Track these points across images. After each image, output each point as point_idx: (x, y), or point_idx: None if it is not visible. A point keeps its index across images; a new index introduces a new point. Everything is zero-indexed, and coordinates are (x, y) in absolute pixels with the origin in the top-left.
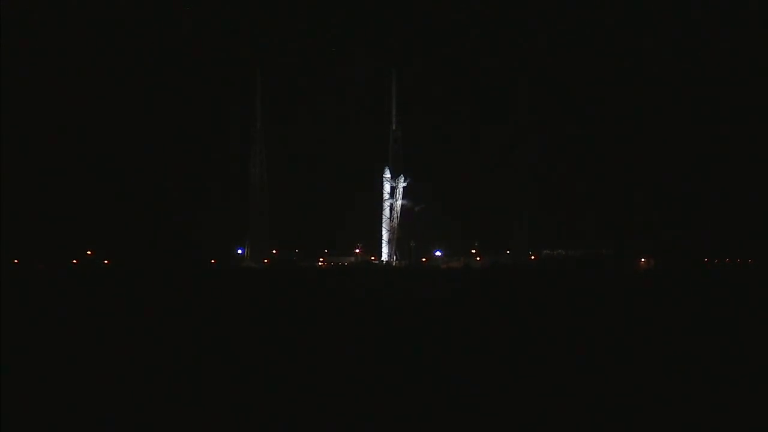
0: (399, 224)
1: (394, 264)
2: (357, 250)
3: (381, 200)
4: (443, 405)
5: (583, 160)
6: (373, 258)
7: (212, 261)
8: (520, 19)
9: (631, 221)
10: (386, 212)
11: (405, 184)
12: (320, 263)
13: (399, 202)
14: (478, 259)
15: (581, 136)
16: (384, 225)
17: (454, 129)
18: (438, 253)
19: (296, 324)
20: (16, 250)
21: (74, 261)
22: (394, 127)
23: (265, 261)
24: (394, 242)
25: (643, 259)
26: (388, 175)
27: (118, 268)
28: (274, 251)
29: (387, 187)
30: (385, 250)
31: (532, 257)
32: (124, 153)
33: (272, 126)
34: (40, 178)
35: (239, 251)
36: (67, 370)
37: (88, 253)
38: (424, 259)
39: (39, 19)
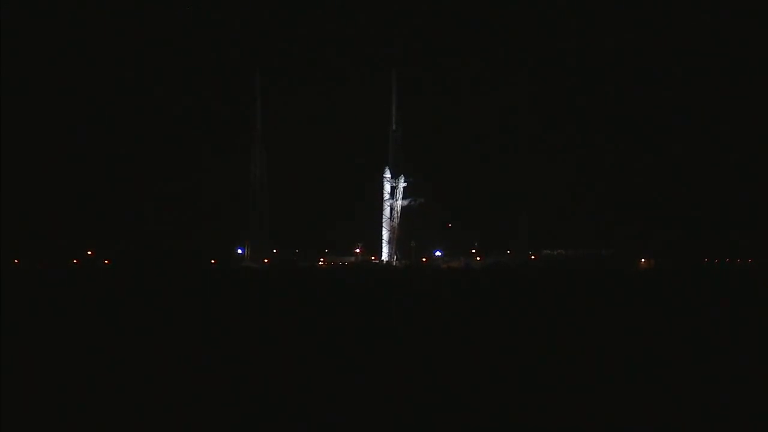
0: (399, 224)
1: (394, 264)
2: (357, 250)
3: (381, 200)
4: (443, 405)
5: (584, 160)
6: (373, 258)
7: (212, 261)
8: (520, 19)
9: (631, 221)
10: (386, 212)
11: (405, 184)
12: (320, 263)
13: (399, 202)
14: (478, 259)
15: (582, 137)
16: (384, 225)
17: (454, 129)
18: (438, 253)
19: (296, 324)
20: (16, 250)
21: (74, 261)
22: (394, 127)
23: (266, 261)
24: (395, 242)
25: (643, 259)
26: (388, 175)
27: (118, 268)
28: (274, 251)
29: (387, 187)
30: (385, 250)
31: (533, 257)
32: (124, 153)
33: (272, 126)
34: (40, 178)
35: (239, 251)
36: (67, 370)
37: (89, 253)
38: (424, 259)
39: (39, 21)
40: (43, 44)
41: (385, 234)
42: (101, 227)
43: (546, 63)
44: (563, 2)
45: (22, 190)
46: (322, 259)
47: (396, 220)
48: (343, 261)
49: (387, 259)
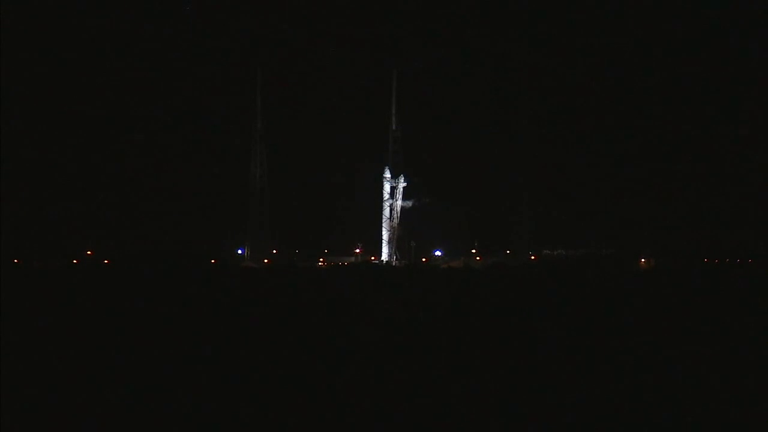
0: (399, 224)
1: (394, 264)
2: (357, 250)
3: (381, 200)
4: (443, 405)
5: (584, 160)
6: (373, 258)
7: (212, 261)
8: (520, 19)
9: (631, 221)
10: (386, 212)
11: (405, 184)
12: (320, 263)
13: (399, 202)
14: (478, 259)
15: (582, 136)
16: (384, 225)
17: (454, 129)
18: (438, 253)
19: (297, 324)
20: (16, 250)
21: (74, 261)
22: (394, 127)
23: (266, 261)
24: (395, 242)
25: (643, 259)
26: (388, 175)
27: (118, 268)
28: (274, 251)
29: (387, 187)
30: (385, 250)
31: (533, 257)
32: (124, 153)
33: (272, 126)
34: (40, 178)
35: (239, 251)
36: (67, 370)
37: (89, 253)
38: (424, 259)
39: (40, 20)
40: (43, 43)
41: (385, 234)
42: (101, 227)
43: (546, 63)
44: (564, 1)
45: (22, 190)
46: (321, 260)
47: (396, 220)
48: (343, 261)
49: (387, 259)
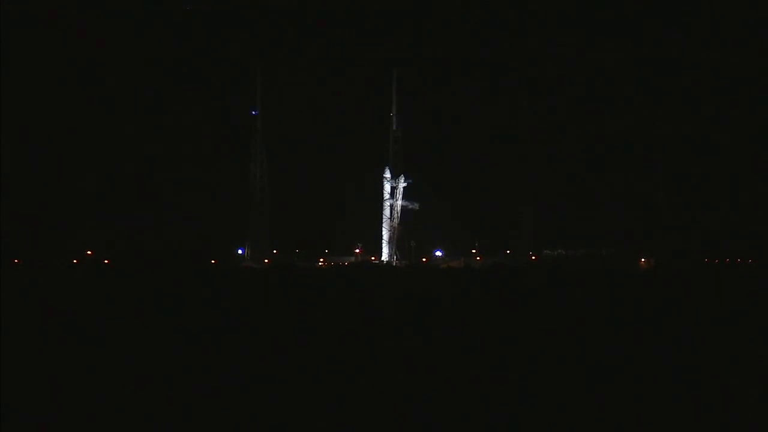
0: (399, 224)
1: (394, 264)
2: (357, 250)
3: (381, 200)
4: (444, 404)
5: (584, 160)
6: (373, 258)
7: (212, 261)
8: (521, 19)
9: (631, 221)
10: (386, 212)
11: (405, 184)
12: (320, 263)
13: (399, 202)
14: (478, 259)
15: (582, 136)
16: (384, 225)
17: (454, 129)
18: (438, 253)
19: (298, 324)
20: (16, 250)
21: (74, 261)
22: (394, 127)
23: (266, 261)
24: (395, 242)
25: (643, 259)
26: (388, 175)
27: (118, 268)
28: (274, 251)
29: (387, 187)
30: (385, 250)
31: (533, 257)
32: (124, 153)
33: (272, 126)
34: (40, 178)
35: (239, 251)
36: (67, 371)
37: (88, 253)
38: (424, 259)
39: (39, 19)
40: (43, 43)
41: (385, 234)
42: (101, 227)
43: (546, 63)
44: (564, 1)
45: (22, 190)
46: (321, 260)
47: (396, 220)
48: (343, 261)
49: (387, 259)
